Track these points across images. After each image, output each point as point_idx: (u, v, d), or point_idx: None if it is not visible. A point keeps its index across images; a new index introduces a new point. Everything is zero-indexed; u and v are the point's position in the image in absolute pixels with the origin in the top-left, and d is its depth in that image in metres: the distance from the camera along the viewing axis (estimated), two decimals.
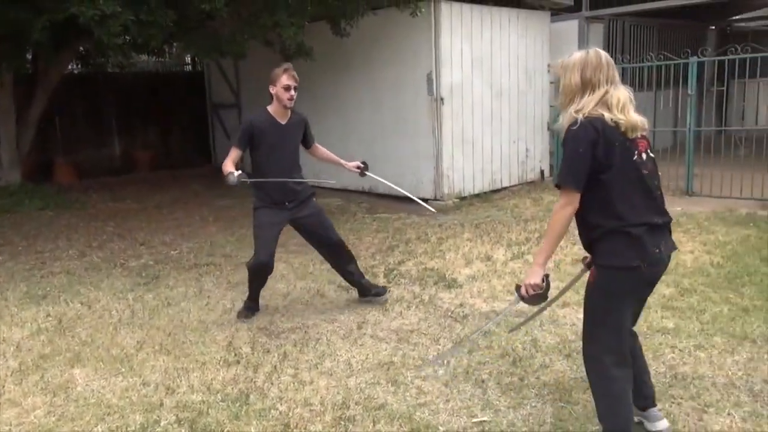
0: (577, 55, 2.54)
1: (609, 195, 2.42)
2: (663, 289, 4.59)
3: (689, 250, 5.53)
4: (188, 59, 14.49)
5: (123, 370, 3.59)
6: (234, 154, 4.13)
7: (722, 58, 7.94)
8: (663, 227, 2.53)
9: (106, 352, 3.85)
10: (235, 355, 3.76)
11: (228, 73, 11.32)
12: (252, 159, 4.30)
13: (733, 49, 7.68)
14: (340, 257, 4.50)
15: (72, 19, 6.14)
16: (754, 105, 13.05)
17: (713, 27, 13.88)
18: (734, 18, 15.37)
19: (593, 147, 2.38)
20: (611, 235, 2.45)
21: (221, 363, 3.65)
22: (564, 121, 2.50)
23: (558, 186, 2.48)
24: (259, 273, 4.29)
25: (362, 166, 4.52)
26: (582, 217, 2.51)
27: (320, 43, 7.97)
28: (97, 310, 4.62)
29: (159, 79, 13.20)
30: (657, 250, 2.46)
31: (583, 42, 10.05)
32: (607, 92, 2.45)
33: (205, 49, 7.77)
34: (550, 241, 2.50)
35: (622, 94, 2.48)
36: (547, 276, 2.55)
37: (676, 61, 8.10)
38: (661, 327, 3.91)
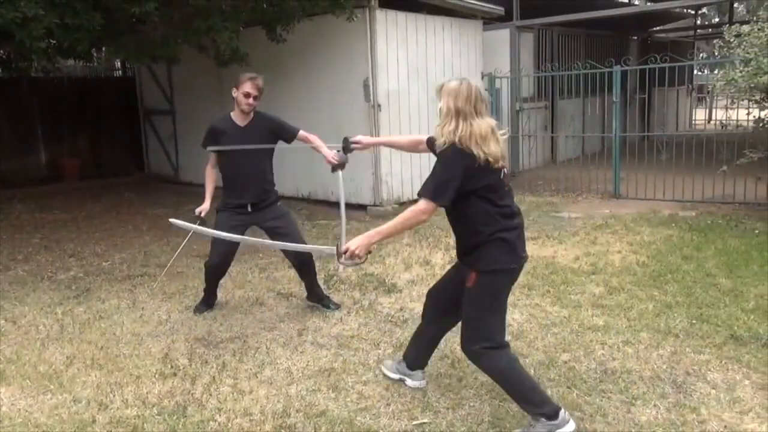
0: (454, 83, 2.76)
1: (487, 207, 2.73)
2: (593, 288, 4.79)
3: (617, 250, 5.79)
4: (118, 64, 14.03)
5: (52, 387, 3.45)
6: (210, 157, 4.42)
7: (643, 67, 8.36)
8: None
9: (33, 369, 3.68)
10: (172, 367, 3.67)
11: (161, 78, 11.04)
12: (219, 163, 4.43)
13: (653, 58, 8.10)
14: (303, 263, 4.49)
15: None
16: (674, 111, 13.80)
17: (635, 37, 14.59)
18: (654, 29, 16.23)
19: (465, 171, 2.67)
20: (493, 240, 2.76)
21: (157, 376, 3.56)
22: (441, 140, 2.74)
23: (420, 195, 2.75)
24: (212, 274, 4.48)
25: (339, 161, 4.05)
26: (463, 226, 2.84)
27: (256, 49, 7.89)
28: (23, 325, 4.41)
29: (87, 85, 12.72)
30: (524, 254, 2.84)
31: (514, 50, 10.37)
32: (471, 124, 2.69)
33: (136, 54, 7.53)
34: (393, 230, 2.85)
35: (484, 126, 2.71)
36: (369, 253, 2.85)
37: (601, 70, 8.47)
38: (591, 325, 4.08)
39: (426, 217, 2.76)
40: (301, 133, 4.45)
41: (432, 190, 2.72)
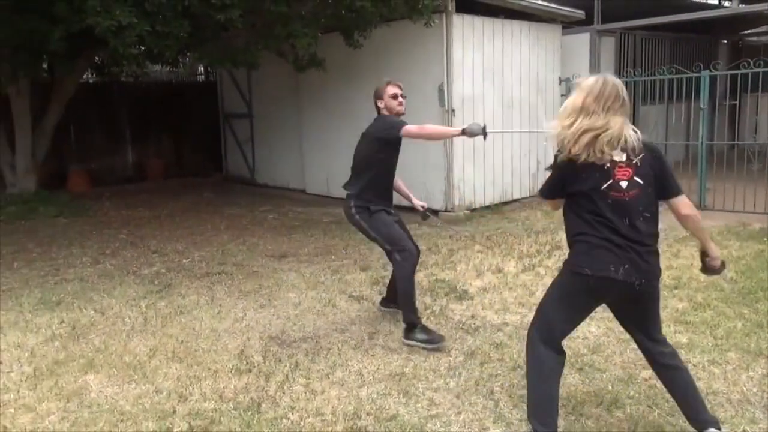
0: (591, 79, 2.66)
1: (578, 211, 2.65)
2: (676, 303, 4.57)
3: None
4: (201, 69, 14.63)
5: (136, 377, 3.61)
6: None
7: (734, 72, 7.92)
8: (627, 249, 2.57)
9: (119, 358, 3.87)
10: (247, 363, 3.77)
11: (240, 83, 11.42)
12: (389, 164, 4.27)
13: (745, 63, 7.67)
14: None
15: (88, 29, 6.22)
16: (767, 119, 12.99)
17: (725, 41, 13.86)
18: (746, 32, 15.35)
19: (562, 173, 2.66)
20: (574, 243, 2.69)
21: (233, 371, 3.66)
22: (556, 138, 2.64)
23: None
24: (415, 264, 4.13)
25: (427, 209, 4.61)
26: (565, 221, 2.78)
27: (332, 54, 8.04)
28: (110, 317, 4.65)
29: (172, 89, 13.34)
30: (613, 268, 2.55)
31: (594, 55, 10.07)
32: (597, 121, 2.55)
33: (219, 59, 7.85)
34: None
35: (616, 129, 2.54)
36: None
37: (687, 75, 8.09)
38: (674, 342, 3.86)
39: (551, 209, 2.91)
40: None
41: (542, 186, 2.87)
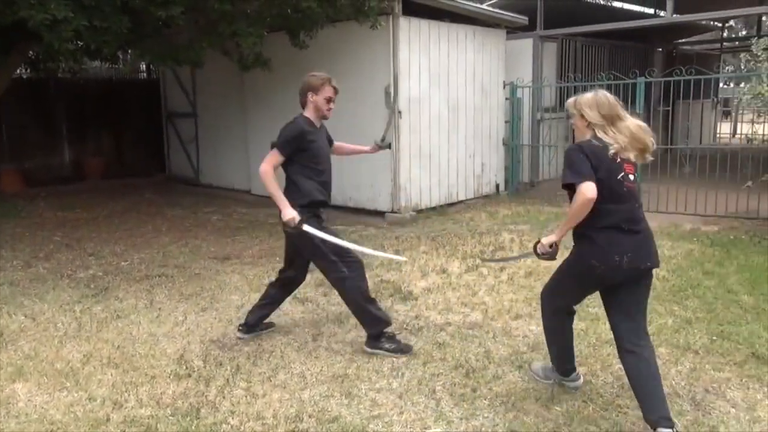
0: (589, 95, 3.01)
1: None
2: None
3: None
4: (143, 66, 14.23)
5: (68, 384, 3.48)
6: (274, 160, 3.82)
7: (668, 79, 8.25)
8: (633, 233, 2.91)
9: (50, 365, 3.72)
10: (187, 368, 3.69)
11: (184, 81, 11.17)
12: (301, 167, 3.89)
13: (678, 70, 8.00)
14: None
15: (21, 22, 5.96)
16: (698, 125, 13.61)
17: (660, 49, 14.45)
18: (680, 41, 16.06)
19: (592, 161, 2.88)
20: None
21: (172, 376, 3.58)
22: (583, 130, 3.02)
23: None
24: (364, 272, 3.95)
25: (379, 144, 4.33)
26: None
27: (278, 54, 7.95)
28: (42, 322, 4.46)
29: (112, 86, 12.92)
30: (617, 258, 2.84)
31: (537, 60, 10.32)
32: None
33: (161, 57, 7.64)
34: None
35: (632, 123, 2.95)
36: (556, 243, 3.03)
37: (624, 81, 8.38)
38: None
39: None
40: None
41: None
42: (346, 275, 3.81)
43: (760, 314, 4.36)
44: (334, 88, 3.88)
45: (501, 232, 7.04)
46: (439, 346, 3.96)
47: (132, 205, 9.22)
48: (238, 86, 9.77)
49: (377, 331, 3.87)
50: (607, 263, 2.85)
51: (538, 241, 3.08)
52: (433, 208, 8.46)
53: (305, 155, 3.83)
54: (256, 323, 4.17)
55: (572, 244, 3.04)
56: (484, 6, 10.27)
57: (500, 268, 5.62)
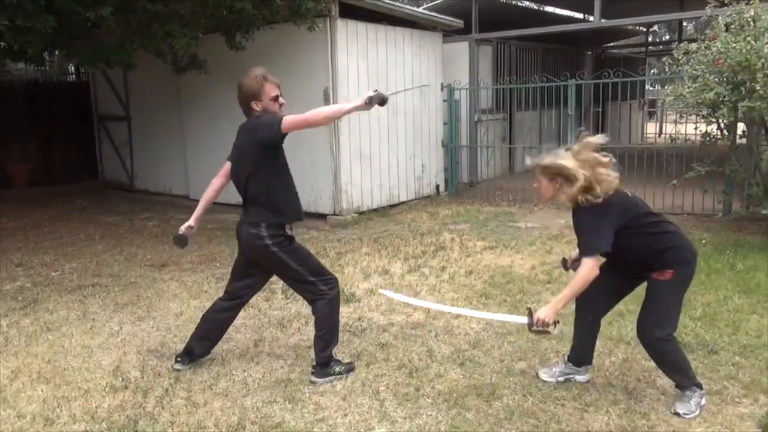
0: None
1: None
2: (549, 297, 4.86)
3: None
4: (72, 68, 13.67)
5: None
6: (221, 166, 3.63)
7: (597, 81, 8.58)
8: None
9: None
10: (123, 380, 3.57)
11: (116, 83, 10.80)
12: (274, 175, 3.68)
13: (606, 73, 8.33)
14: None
15: None
16: (627, 125, 14.21)
17: (590, 53, 15.00)
18: (608, 45, 16.72)
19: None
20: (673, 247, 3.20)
21: (107, 389, 3.45)
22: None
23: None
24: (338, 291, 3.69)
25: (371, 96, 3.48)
26: (639, 251, 3.19)
27: (215, 56, 7.81)
28: None
29: (39, 89, 12.34)
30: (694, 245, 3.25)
31: (473, 62, 10.53)
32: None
33: (90, 59, 7.36)
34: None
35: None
36: (557, 322, 3.05)
37: (556, 83, 8.67)
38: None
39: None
40: None
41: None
42: (331, 296, 3.53)
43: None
44: (275, 83, 3.51)
45: (442, 232, 7.15)
46: (382, 346, 3.98)
47: (62, 213, 8.85)
48: (174, 88, 9.53)
49: (331, 354, 3.58)
50: (695, 251, 3.27)
51: (530, 312, 3.06)
52: (375, 210, 8.49)
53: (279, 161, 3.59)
54: (203, 353, 3.76)
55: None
56: (420, 9, 10.40)
57: (441, 267, 5.70)
